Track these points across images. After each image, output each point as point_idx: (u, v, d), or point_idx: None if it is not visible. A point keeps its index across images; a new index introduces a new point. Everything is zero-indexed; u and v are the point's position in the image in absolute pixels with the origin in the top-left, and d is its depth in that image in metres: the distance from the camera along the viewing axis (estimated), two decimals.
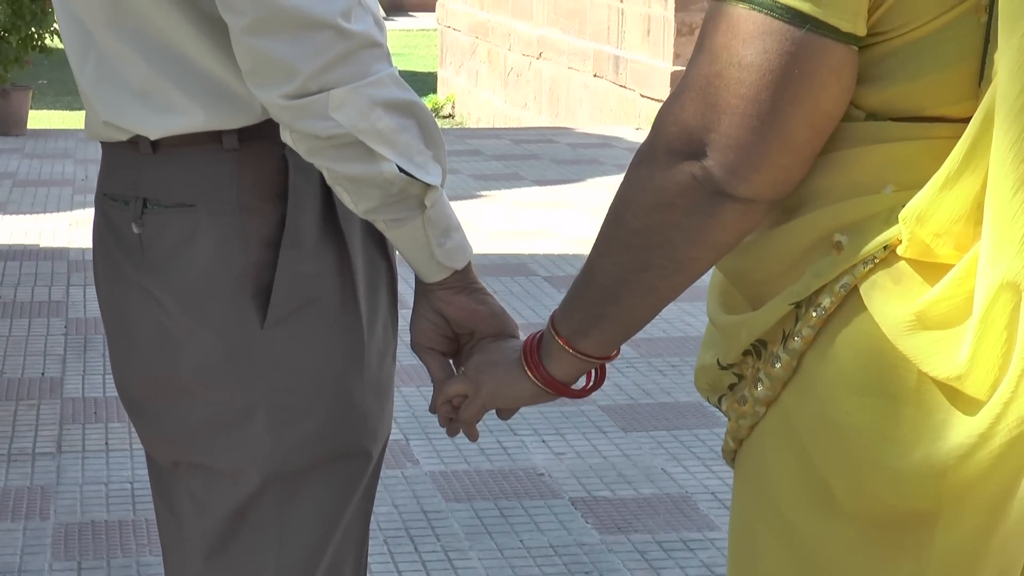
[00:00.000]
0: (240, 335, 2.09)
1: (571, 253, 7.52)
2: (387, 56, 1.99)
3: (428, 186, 2.03)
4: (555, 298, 6.42)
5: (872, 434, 1.75)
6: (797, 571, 1.83)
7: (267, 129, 2.05)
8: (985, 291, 1.71)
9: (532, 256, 7.39)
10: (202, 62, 2.04)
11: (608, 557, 4.18)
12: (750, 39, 1.71)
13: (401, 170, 2.00)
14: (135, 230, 2.10)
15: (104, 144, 2.17)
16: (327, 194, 2.10)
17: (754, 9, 1.70)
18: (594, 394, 5.49)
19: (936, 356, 1.72)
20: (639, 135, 12.03)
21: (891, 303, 1.74)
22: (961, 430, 1.73)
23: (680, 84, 1.78)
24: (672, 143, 1.78)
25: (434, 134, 2.05)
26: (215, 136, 2.06)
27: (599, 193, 9.36)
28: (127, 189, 2.11)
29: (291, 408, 2.11)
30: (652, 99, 12.58)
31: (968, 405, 1.75)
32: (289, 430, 2.11)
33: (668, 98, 1.81)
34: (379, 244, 2.19)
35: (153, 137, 2.07)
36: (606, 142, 11.69)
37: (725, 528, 4.34)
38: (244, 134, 2.06)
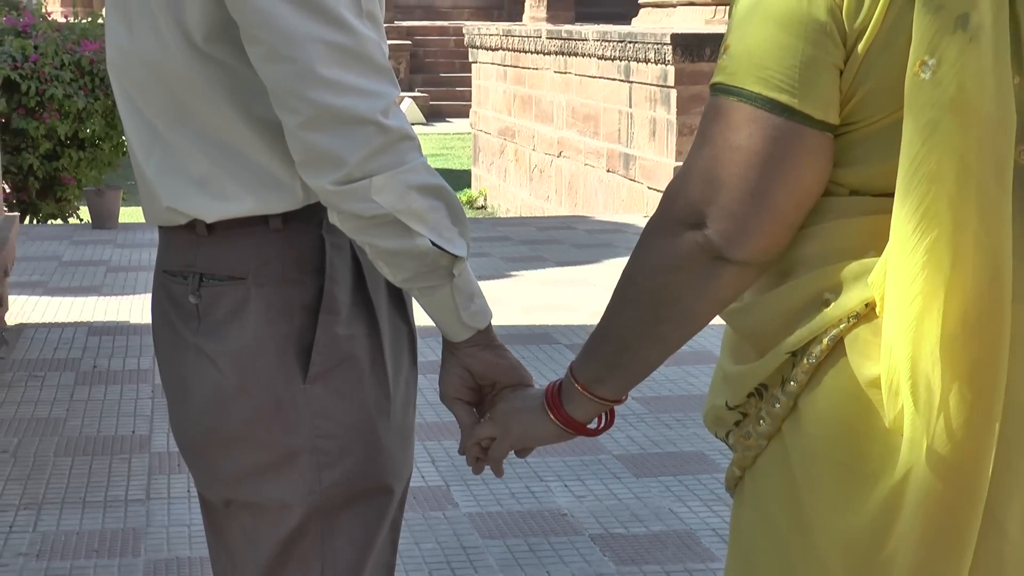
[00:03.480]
0: (285, 389, 2.09)
1: (590, 324, 7.42)
2: (419, 147, 2.01)
3: (456, 257, 2.03)
4: None
5: (845, 468, 1.77)
6: None
7: (307, 213, 2.07)
8: (883, 349, 1.74)
9: (555, 327, 7.36)
10: (254, 156, 2.05)
11: None
12: (740, 126, 1.75)
13: (433, 244, 2.00)
14: (193, 301, 2.10)
15: (163, 228, 2.17)
16: (358, 268, 2.11)
17: (742, 101, 1.74)
18: (609, 444, 5.47)
19: (887, 409, 1.73)
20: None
21: (867, 354, 1.76)
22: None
23: (684, 166, 1.82)
24: (678, 215, 1.81)
25: (459, 213, 2.05)
26: (263, 219, 2.07)
27: (614, 272, 9.34)
28: (185, 266, 2.12)
29: (330, 452, 2.11)
30: (658, 191, 12.56)
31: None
32: (328, 471, 2.11)
33: (674, 178, 1.83)
34: (402, 311, 2.20)
35: (209, 220, 2.07)
36: (619, 228, 11.70)
37: (724, 559, 4.36)
38: (287, 217, 2.07)
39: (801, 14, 1.72)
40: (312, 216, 2.07)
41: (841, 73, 1.74)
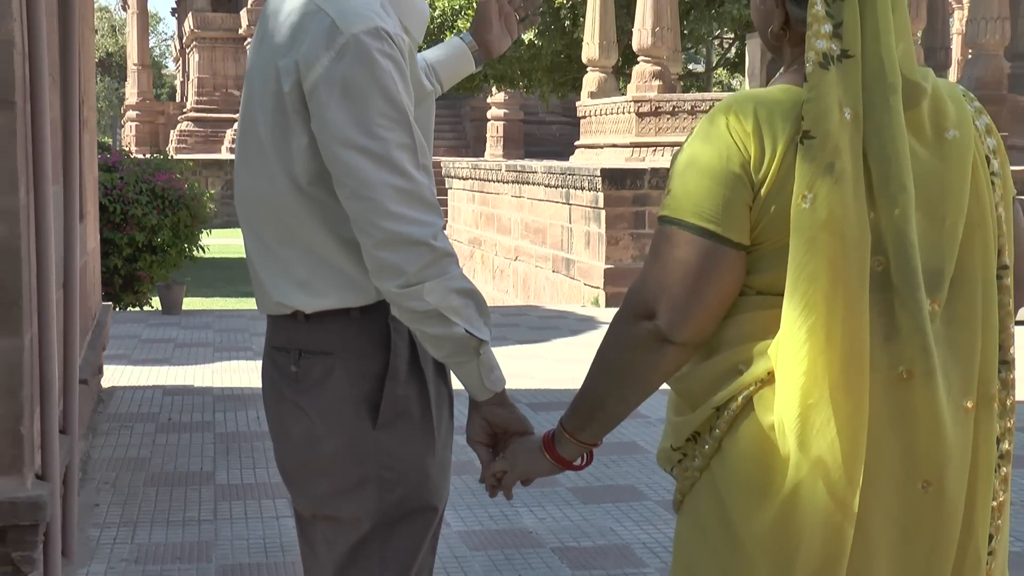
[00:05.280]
0: (360, 434, 2.10)
1: (544, 388, 7.49)
2: (456, 261, 2.03)
3: (482, 341, 2.05)
4: (535, 419, 6.36)
5: (756, 490, 1.79)
6: None
7: (378, 306, 2.08)
8: (775, 403, 1.77)
9: (517, 391, 7.31)
10: (340, 265, 2.07)
11: None
12: (680, 246, 1.79)
13: (466, 331, 2.03)
14: (293, 369, 2.12)
15: (271, 316, 2.18)
16: (413, 347, 2.12)
17: (682, 229, 1.78)
18: (562, 479, 5.38)
19: (780, 445, 1.76)
20: (584, 311, 11.97)
21: (769, 408, 1.78)
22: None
23: (640, 274, 1.85)
24: (636, 309, 1.84)
25: (484, 308, 2.07)
26: (345, 311, 2.08)
27: (560, 348, 9.38)
28: (288, 344, 2.13)
29: (390, 480, 2.11)
30: (592, 287, 12.58)
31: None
32: (389, 494, 2.11)
33: (633, 283, 1.86)
34: (444, 378, 2.20)
35: (308, 312, 2.09)
36: (562, 315, 11.63)
37: (654, 565, 4.37)
38: (363, 310, 2.08)
39: (723, 168, 1.77)
40: (381, 309, 2.08)
41: (750, 208, 1.78)
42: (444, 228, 2.08)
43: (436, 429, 2.16)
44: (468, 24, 20.79)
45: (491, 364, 2.10)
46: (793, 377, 1.74)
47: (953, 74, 19.76)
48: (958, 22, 26.40)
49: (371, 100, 1.96)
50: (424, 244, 1.98)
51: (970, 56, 15.42)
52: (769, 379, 1.80)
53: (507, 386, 2.19)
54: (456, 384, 2.20)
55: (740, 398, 1.82)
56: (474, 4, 20.16)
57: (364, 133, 1.96)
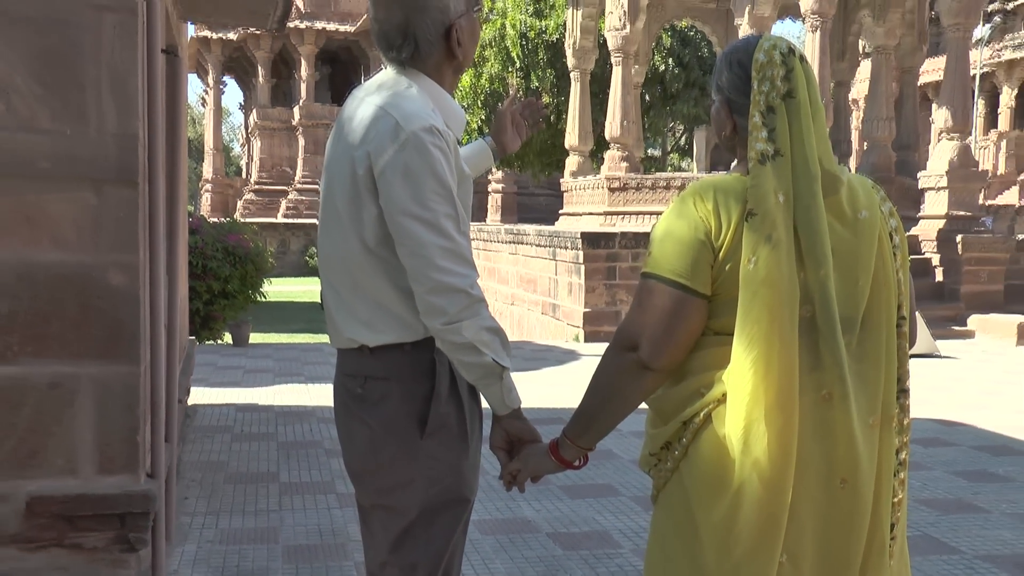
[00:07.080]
0: (411, 442, 2.10)
1: (537, 407, 7.39)
2: (487, 305, 2.05)
3: (504, 367, 2.06)
4: None
5: (712, 486, 1.81)
6: (689, 559, 1.84)
7: (426, 342, 2.09)
8: (727, 418, 1.79)
9: None
10: (396, 309, 2.07)
11: (567, 563, 4.16)
12: (658, 295, 1.82)
13: (493, 360, 2.04)
14: (359, 390, 2.13)
15: (342, 349, 2.17)
16: (452, 373, 2.11)
17: (660, 282, 1.82)
18: (553, 479, 5.32)
19: (731, 452, 1.78)
20: (567, 346, 11.84)
21: (724, 422, 1.81)
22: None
23: (627, 315, 1.86)
24: (623, 343, 1.86)
25: (507, 342, 2.08)
26: (400, 345, 2.08)
27: (549, 375, 9.26)
28: (356, 371, 2.13)
29: (434, 478, 2.11)
30: (574, 326, 12.54)
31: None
32: (432, 488, 2.12)
33: (622, 323, 1.86)
34: (476, 399, 2.20)
35: (371, 346, 2.10)
36: (549, 349, 11.50)
37: (627, 547, 4.34)
38: (414, 344, 2.08)
39: (692, 237, 1.81)
40: (428, 344, 2.09)
41: (712, 267, 1.81)
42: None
43: (470, 438, 2.18)
44: (475, 118, 20.60)
45: (510, 386, 2.12)
46: (740, 397, 1.77)
47: (853, 161, 19.93)
48: (856, 120, 26.72)
49: (425, 180, 1.99)
50: (463, 292, 2.00)
51: (866, 147, 15.69)
52: (724, 399, 1.83)
53: None
54: (483, 404, 2.21)
55: (702, 414, 1.84)
56: (479, 103, 20.30)
57: (420, 205, 1.98)
